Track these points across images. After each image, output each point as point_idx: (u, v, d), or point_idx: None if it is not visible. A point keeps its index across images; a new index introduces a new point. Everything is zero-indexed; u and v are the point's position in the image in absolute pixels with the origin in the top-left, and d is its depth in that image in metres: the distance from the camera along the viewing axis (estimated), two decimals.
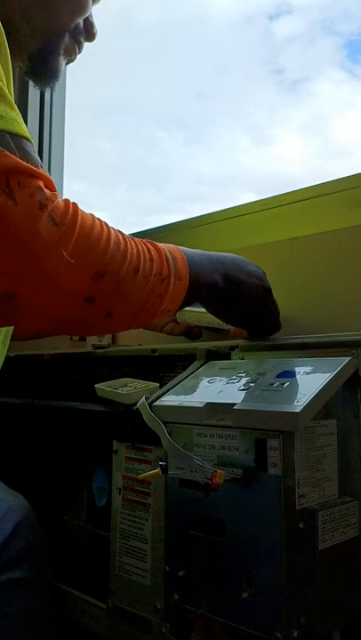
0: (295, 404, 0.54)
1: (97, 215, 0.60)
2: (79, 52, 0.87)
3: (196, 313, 0.89)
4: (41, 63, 0.82)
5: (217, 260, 0.70)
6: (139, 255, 0.59)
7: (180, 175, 1.72)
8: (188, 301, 0.66)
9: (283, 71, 1.50)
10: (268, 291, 0.74)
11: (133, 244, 0.60)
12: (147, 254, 0.60)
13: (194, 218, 1.20)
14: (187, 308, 0.90)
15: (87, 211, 0.59)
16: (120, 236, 0.59)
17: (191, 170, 1.70)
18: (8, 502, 0.74)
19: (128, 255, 0.58)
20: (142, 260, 0.59)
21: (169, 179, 1.73)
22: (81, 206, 0.58)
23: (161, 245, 0.63)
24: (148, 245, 0.62)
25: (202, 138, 1.68)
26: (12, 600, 0.69)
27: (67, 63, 0.87)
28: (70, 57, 0.86)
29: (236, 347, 0.72)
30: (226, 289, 0.69)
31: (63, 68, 0.86)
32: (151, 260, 0.60)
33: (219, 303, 0.71)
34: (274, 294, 0.77)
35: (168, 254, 0.63)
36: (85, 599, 0.74)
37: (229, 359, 0.72)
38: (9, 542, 0.70)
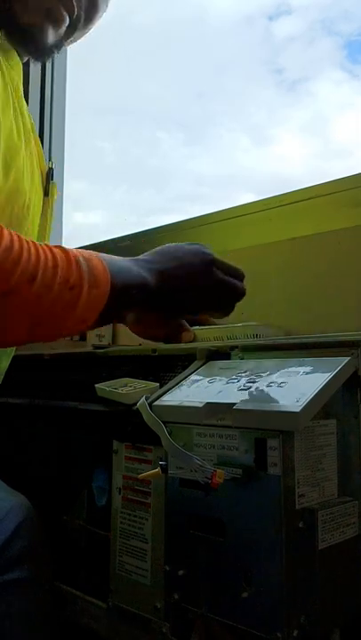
0: (295, 403, 0.54)
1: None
2: (75, 12, 0.82)
3: (206, 330, 0.90)
4: (18, 30, 0.80)
5: (143, 260, 0.65)
6: (37, 262, 0.54)
7: (180, 175, 1.72)
8: (116, 308, 0.61)
9: (283, 71, 1.50)
10: (209, 263, 0.66)
11: (33, 250, 0.55)
12: (50, 261, 0.55)
13: (194, 218, 1.21)
14: (196, 327, 0.90)
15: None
16: (15, 243, 0.54)
17: (191, 170, 1.70)
18: (10, 502, 0.74)
19: (22, 262, 0.53)
20: (42, 268, 0.54)
21: (169, 179, 1.74)
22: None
23: (74, 251, 0.58)
24: (55, 251, 0.57)
25: (202, 138, 1.69)
26: (12, 600, 0.69)
27: (56, 26, 0.82)
28: (58, 19, 0.81)
29: (236, 347, 0.72)
30: (162, 286, 0.64)
31: (49, 31, 0.82)
32: (55, 267, 0.55)
33: (157, 301, 0.65)
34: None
35: (81, 260, 0.57)
36: (85, 599, 0.74)
37: (229, 359, 0.72)
38: (11, 542, 0.70)
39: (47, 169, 0.95)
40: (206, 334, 0.91)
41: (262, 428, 0.55)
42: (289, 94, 1.50)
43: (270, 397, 0.57)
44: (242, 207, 1.13)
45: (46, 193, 0.93)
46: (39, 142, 0.95)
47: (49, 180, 0.95)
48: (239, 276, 0.70)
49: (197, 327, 0.93)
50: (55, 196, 0.96)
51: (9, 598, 0.69)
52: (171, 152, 1.78)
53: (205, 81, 1.61)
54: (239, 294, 0.70)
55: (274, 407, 0.55)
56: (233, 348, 0.73)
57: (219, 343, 0.81)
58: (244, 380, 0.63)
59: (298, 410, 0.53)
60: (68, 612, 0.75)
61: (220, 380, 0.65)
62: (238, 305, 0.71)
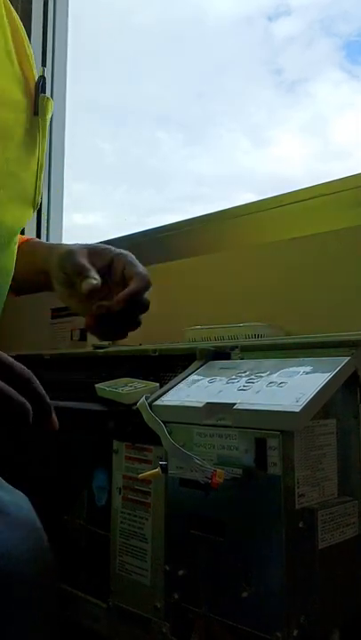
0: (295, 403, 0.54)
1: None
2: None
3: (206, 330, 0.90)
4: None
5: None
6: None
7: (180, 176, 1.72)
8: None
9: (282, 72, 1.50)
10: None
11: None
12: None
13: (193, 218, 1.20)
14: (197, 327, 0.90)
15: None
16: None
17: (191, 170, 1.70)
18: (16, 513, 0.66)
19: None
20: None
21: (169, 179, 1.74)
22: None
23: None
24: None
25: (202, 138, 1.69)
26: (15, 609, 0.67)
27: None
28: None
29: (236, 347, 0.72)
30: None
31: None
32: None
33: None
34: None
35: None
36: (86, 599, 0.74)
37: (229, 359, 0.72)
38: (16, 558, 0.67)
39: (36, 78, 0.72)
40: (206, 334, 0.91)
41: (262, 428, 0.55)
42: (288, 95, 1.50)
43: (270, 397, 0.57)
44: (242, 207, 1.13)
45: (36, 112, 0.71)
46: (25, 43, 0.72)
47: (38, 93, 0.71)
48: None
49: (197, 327, 0.94)
50: (49, 115, 0.74)
51: (12, 606, 0.67)
52: (171, 152, 1.78)
53: (205, 81, 1.61)
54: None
55: (274, 407, 0.55)
56: (233, 348, 0.73)
57: (219, 343, 0.81)
58: (244, 380, 0.63)
59: (298, 410, 0.53)
60: (69, 613, 0.75)
61: (220, 379, 0.65)
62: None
